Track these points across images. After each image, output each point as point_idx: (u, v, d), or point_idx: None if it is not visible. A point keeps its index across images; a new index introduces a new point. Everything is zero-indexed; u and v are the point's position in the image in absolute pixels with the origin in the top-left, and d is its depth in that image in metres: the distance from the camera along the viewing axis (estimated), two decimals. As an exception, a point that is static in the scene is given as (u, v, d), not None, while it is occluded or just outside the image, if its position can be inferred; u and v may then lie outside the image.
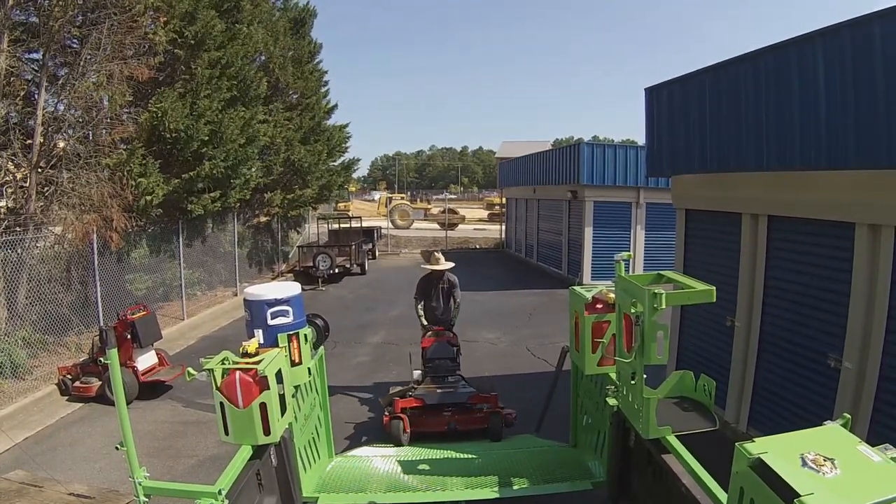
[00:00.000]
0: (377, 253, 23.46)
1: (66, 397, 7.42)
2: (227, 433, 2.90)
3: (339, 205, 34.74)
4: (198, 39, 10.75)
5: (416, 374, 6.71)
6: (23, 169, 8.67)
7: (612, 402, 3.24)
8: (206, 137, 10.98)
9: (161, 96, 10.29)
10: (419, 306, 7.23)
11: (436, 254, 7.49)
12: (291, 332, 3.34)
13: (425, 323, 7.16)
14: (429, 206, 43.07)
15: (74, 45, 9.10)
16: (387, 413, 6.13)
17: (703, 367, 6.62)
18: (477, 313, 11.78)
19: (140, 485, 2.63)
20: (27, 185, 8.56)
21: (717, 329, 6.51)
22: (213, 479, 2.75)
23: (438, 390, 6.22)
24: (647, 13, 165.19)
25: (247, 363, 2.89)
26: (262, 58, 15.39)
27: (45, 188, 8.76)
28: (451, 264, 7.31)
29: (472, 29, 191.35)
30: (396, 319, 11.87)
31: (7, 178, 8.69)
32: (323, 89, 19.80)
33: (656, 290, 2.56)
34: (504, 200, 28.14)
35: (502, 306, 13.24)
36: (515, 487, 4.13)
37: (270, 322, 3.31)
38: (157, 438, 6.39)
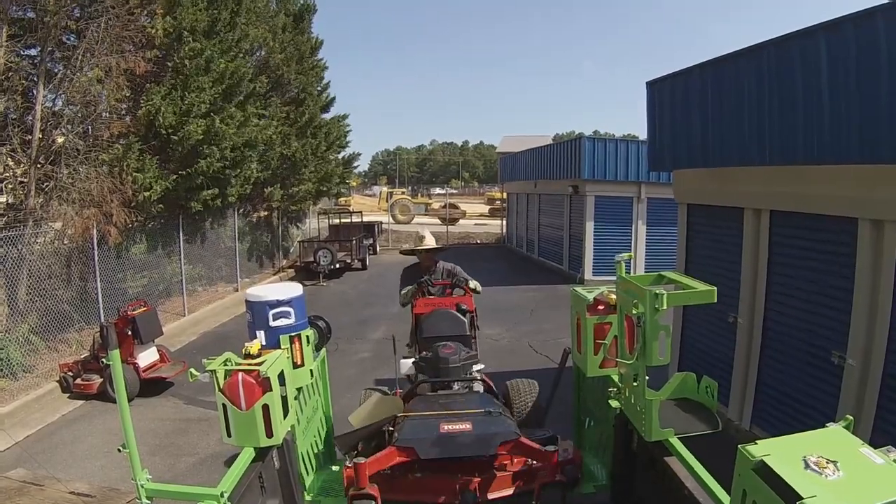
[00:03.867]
0: (378, 248, 23.48)
1: (68, 394, 7.43)
2: (229, 435, 2.90)
3: (340, 200, 34.76)
4: (177, 31, 10.65)
5: (407, 365, 4.69)
6: (22, 165, 8.66)
7: (614, 404, 3.24)
8: (201, 136, 10.92)
9: (151, 92, 10.21)
10: (406, 291, 5.27)
11: (420, 232, 5.56)
12: (293, 334, 3.34)
13: (419, 281, 5.17)
14: (429, 201, 43.09)
15: (72, 40, 9.07)
16: (349, 467, 3.14)
17: (706, 364, 6.63)
18: (478, 309, 11.80)
19: (143, 487, 2.62)
20: (26, 180, 8.55)
21: (719, 326, 6.50)
22: (215, 478, 2.75)
23: (445, 427, 3.14)
24: (651, 11, 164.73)
25: (249, 364, 2.89)
26: (262, 52, 15.33)
27: (45, 183, 8.75)
28: (439, 247, 5.60)
29: (472, 25, 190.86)
30: (397, 315, 11.84)
31: (6, 174, 8.69)
32: (321, 84, 19.72)
33: (657, 291, 2.55)
34: (505, 195, 28.13)
35: (503, 302, 13.25)
36: None
37: (272, 323, 3.30)
38: (159, 436, 6.40)
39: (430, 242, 5.41)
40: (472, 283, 5.24)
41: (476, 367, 4.28)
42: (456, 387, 3.95)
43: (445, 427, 3.09)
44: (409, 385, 4.46)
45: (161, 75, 10.75)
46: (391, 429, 3.29)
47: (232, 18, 12.42)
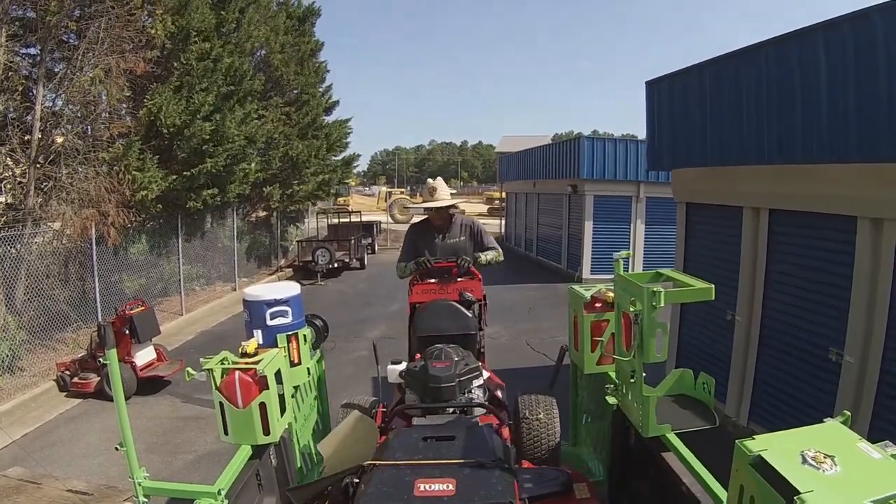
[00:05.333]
0: (376, 247, 23.47)
1: (65, 393, 7.44)
2: (226, 433, 2.89)
3: (339, 199, 34.77)
4: (184, 32, 10.68)
5: (395, 372, 3.70)
6: (21, 164, 8.65)
7: (611, 400, 3.22)
8: (208, 136, 10.94)
9: (156, 92, 10.25)
10: (404, 265, 4.40)
11: (431, 182, 4.44)
12: (291, 333, 3.32)
13: (416, 259, 4.30)
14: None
15: (72, 40, 9.07)
16: None
17: (704, 361, 6.63)
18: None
19: (140, 485, 2.61)
20: (25, 180, 8.54)
21: (717, 323, 6.51)
22: (212, 475, 2.74)
23: (421, 487, 2.40)
24: (649, 10, 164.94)
25: (246, 363, 2.88)
26: (262, 52, 15.36)
27: (44, 184, 8.74)
28: (456, 200, 4.68)
29: (472, 25, 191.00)
30: (395, 314, 11.85)
31: (5, 174, 8.68)
32: (323, 86, 19.74)
33: (655, 289, 2.54)
34: (504, 195, 28.13)
35: (502, 300, 13.22)
36: None
37: (269, 322, 3.29)
38: (156, 434, 6.39)
39: (443, 196, 4.34)
40: (486, 257, 4.37)
41: (478, 382, 3.48)
42: (450, 410, 3.31)
43: (421, 487, 2.40)
44: (399, 395, 3.76)
45: (164, 76, 10.77)
46: (356, 480, 2.59)
47: (239, 21, 12.50)
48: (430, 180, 4.49)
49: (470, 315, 4.07)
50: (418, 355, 3.82)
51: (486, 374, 3.74)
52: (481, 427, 2.99)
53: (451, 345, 3.65)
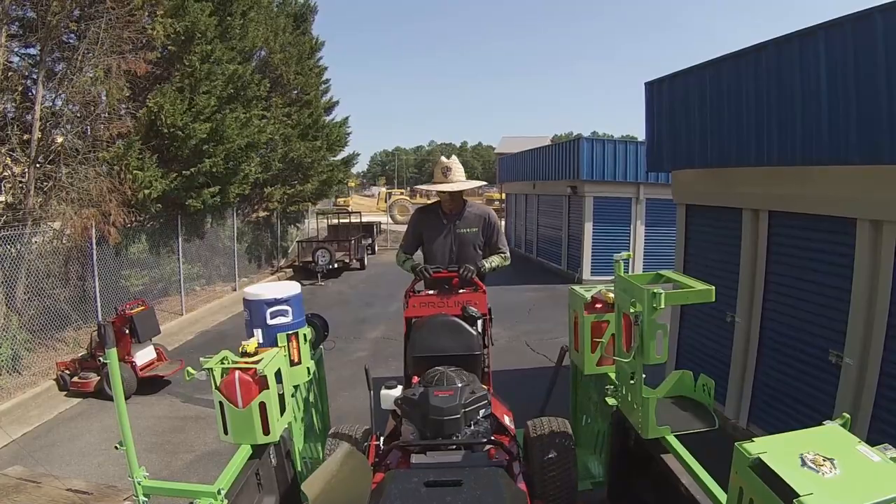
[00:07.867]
0: (376, 248, 23.48)
1: (65, 392, 7.43)
2: (226, 433, 2.90)
3: (339, 200, 34.79)
4: (187, 34, 10.69)
5: (389, 398, 3.38)
6: (21, 164, 8.65)
7: (611, 401, 3.22)
8: (205, 136, 10.95)
9: (159, 92, 10.27)
10: (405, 259, 4.14)
11: (445, 160, 4.06)
12: (291, 332, 3.33)
13: (413, 266, 4.01)
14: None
15: (72, 41, 9.07)
16: None
17: (703, 363, 6.63)
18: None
19: (140, 484, 2.62)
20: (25, 180, 8.54)
21: (717, 325, 6.50)
22: (211, 475, 2.75)
23: None
24: (649, 10, 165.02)
25: (246, 363, 2.88)
26: (262, 53, 15.38)
27: (44, 183, 8.74)
28: (476, 183, 4.36)
29: (471, 25, 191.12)
30: (396, 315, 11.84)
31: (5, 174, 8.68)
32: (323, 86, 19.77)
33: (655, 290, 2.54)
34: (503, 196, 28.13)
35: (501, 301, 13.21)
36: None
37: (269, 322, 3.30)
38: (156, 434, 6.39)
39: (457, 178, 3.93)
40: (491, 264, 4.02)
41: (485, 412, 3.09)
42: (454, 447, 2.92)
43: None
44: (394, 423, 3.38)
45: (165, 77, 10.78)
46: None
47: (242, 24, 12.54)
48: (443, 158, 4.05)
49: (474, 332, 3.69)
50: (416, 378, 3.49)
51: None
52: (491, 470, 2.61)
53: (452, 367, 3.30)
